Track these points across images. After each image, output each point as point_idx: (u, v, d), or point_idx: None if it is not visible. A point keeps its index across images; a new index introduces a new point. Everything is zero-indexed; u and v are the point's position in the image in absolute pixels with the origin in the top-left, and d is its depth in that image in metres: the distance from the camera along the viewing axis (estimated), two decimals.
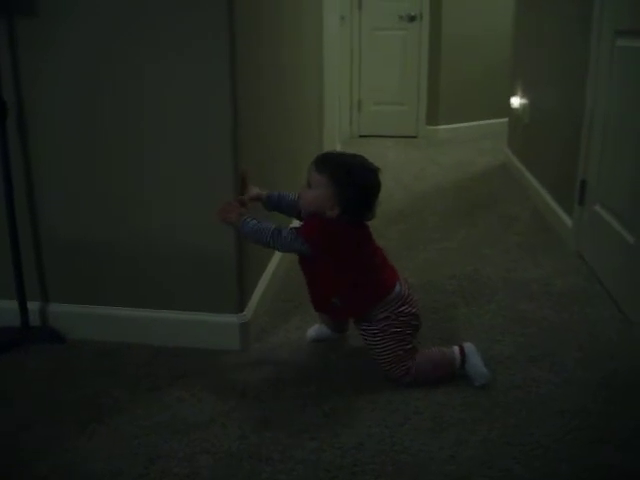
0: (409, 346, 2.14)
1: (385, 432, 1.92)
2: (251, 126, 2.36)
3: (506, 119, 5.58)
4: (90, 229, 2.34)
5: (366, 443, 1.87)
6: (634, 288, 2.55)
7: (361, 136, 6.80)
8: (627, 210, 2.67)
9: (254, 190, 2.26)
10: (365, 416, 2.00)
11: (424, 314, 2.60)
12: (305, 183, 2.09)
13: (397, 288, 2.14)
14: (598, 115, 3.06)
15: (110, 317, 2.41)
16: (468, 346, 2.20)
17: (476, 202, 4.34)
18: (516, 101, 5.12)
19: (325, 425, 1.95)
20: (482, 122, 6.71)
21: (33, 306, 2.42)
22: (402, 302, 2.13)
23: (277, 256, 2.89)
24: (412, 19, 6.53)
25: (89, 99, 2.21)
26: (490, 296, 2.83)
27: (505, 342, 2.43)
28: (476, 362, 2.16)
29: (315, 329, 2.44)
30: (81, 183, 2.30)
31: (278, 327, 2.53)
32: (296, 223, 2.25)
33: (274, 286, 2.79)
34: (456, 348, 2.19)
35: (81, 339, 2.41)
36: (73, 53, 2.17)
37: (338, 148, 5.45)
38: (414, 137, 6.65)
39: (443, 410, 2.02)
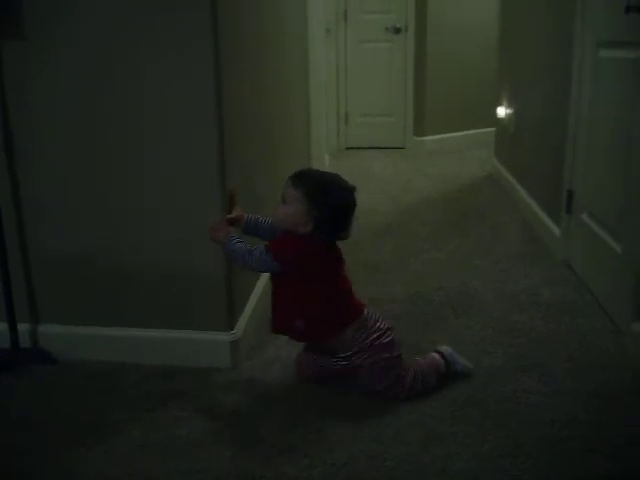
0: (401, 361, 2.17)
1: (377, 447, 1.92)
2: (235, 141, 2.37)
3: (493, 128, 5.61)
4: (79, 249, 2.34)
5: (358, 458, 1.87)
6: (623, 297, 2.56)
7: (348, 148, 6.81)
8: (614, 219, 2.69)
9: (238, 211, 2.26)
10: (356, 432, 2.00)
11: (414, 326, 2.63)
12: (280, 199, 2.10)
13: (365, 311, 2.16)
14: (583, 125, 3.08)
15: (101, 337, 2.40)
16: (445, 349, 2.25)
17: (465, 213, 4.35)
18: (502, 111, 5.15)
19: (317, 441, 1.96)
20: (469, 132, 6.74)
21: (23, 327, 2.42)
22: (373, 322, 2.15)
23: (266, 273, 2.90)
24: (397, 31, 6.57)
25: (87, 105, 2.22)
26: (479, 307, 2.84)
27: (495, 353, 2.44)
28: (458, 359, 2.25)
29: None
30: (71, 202, 2.31)
31: (268, 343, 2.53)
32: None
33: (263, 302, 2.78)
34: (435, 354, 2.22)
35: (72, 360, 2.41)
36: (72, 56, 2.18)
37: (326, 160, 5.47)
38: (401, 148, 6.66)
39: (434, 423, 2.03)
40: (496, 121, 5.43)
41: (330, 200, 2.02)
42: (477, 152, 6.17)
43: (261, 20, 2.88)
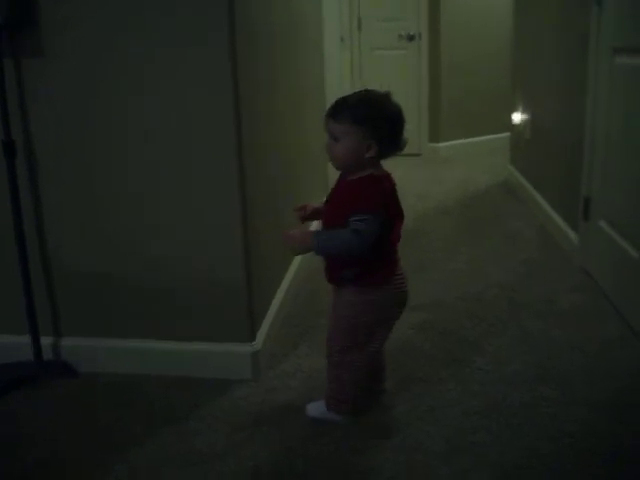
0: (364, 346, 2.03)
1: (399, 457, 1.94)
2: (254, 153, 2.39)
3: (508, 134, 5.60)
4: (100, 262, 2.37)
5: (380, 469, 1.89)
6: None
7: None
8: (632, 226, 2.69)
9: (311, 207, 2.13)
10: (378, 442, 2.01)
11: (432, 335, 2.63)
12: (327, 140, 1.96)
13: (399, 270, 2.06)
14: (599, 132, 3.09)
15: (122, 349, 2.43)
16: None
17: (481, 220, 4.36)
18: (517, 117, 5.15)
19: (338, 452, 1.97)
20: (484, 137, 6.73)
21: (45, 340, 2.45)
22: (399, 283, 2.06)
23: (286, 281, 2.93)
24: (411, 38, 6.57)
25: (93, 124, 2.25)
26: (497, 315, 2.85)
27: (513, 362, 2.45)
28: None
29: None
30: (89, 216, 2.34)
31: (288, 354, 2.55)
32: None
33: (283, 312, 2.82)
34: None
35: (94, 372, 2.43)
36: (73, 69, 2.21)
37: None
38: (417, 155, 6.66)
39: (455, 434, 2.04)
40: (511, 127, 5.43)
41: (379, 112, 1.89)
42: (493, 158, 6.14)
43: (279, 32, 2.91)
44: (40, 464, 1.97)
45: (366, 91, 1.97)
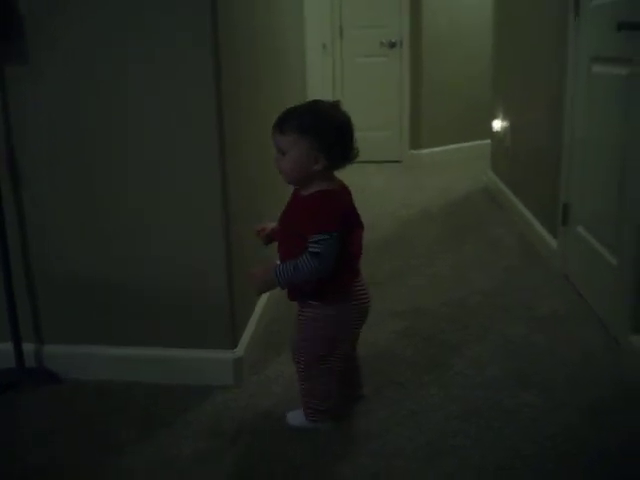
0: (329, 357, 2.03)
1: (380, 462, 1.95)
2: (235, 161, 2.40)
3: (489, 140, 5.63)
4: (83, 270, 2.37)
5: (362, 475, 1.90)
6: (619, 309, 2.59)
7: None
8: (609, 232, 2.71)
9: (270, 227, 2.10)
10: (360, 447, 2.03)
11: (413, 341, 2.65)
12: (275, 154, 1.92)
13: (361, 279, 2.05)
14: (578, 139, 3.12)
15: (105, 357, 2.43)
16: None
17: (462, 226, 4.39)
18: (497, 124, 5.18)
19: (320, 458, 1.98)
20: (465, 144, 6.76)
21: (28, 347, 2.44)
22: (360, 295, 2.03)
23: None
24: (393, 45, 6.61)
25: (80, 134, 2.26)
26: (478, 321, 2.87)
27: (494, 367, 2.47)
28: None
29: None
30: (73, 223, 2.34)
31: (271, 360, 2.56)
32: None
33: (265, 319, 2.82)
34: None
35: (76, 379, 2.43)
36: (62, 82, 2.22)
37: None
38: (398, 162, 6.70)
39: (436, 438, 2.05)
40: (492, 134, 5.46)
41: (326, 123, 1.86)
42: (474, 164, 6.17)
43: (261, 32, 2.92)
44: (32, 470, 1.97)
45: (314, 101, 1.95)
